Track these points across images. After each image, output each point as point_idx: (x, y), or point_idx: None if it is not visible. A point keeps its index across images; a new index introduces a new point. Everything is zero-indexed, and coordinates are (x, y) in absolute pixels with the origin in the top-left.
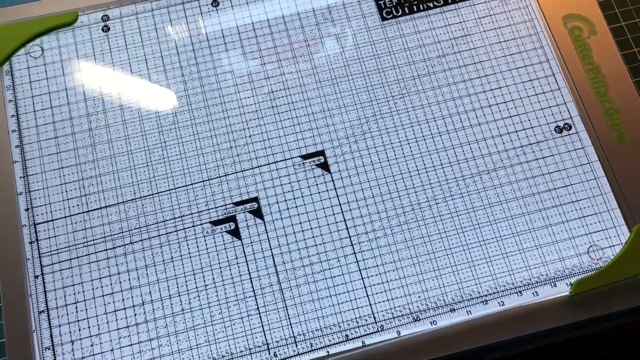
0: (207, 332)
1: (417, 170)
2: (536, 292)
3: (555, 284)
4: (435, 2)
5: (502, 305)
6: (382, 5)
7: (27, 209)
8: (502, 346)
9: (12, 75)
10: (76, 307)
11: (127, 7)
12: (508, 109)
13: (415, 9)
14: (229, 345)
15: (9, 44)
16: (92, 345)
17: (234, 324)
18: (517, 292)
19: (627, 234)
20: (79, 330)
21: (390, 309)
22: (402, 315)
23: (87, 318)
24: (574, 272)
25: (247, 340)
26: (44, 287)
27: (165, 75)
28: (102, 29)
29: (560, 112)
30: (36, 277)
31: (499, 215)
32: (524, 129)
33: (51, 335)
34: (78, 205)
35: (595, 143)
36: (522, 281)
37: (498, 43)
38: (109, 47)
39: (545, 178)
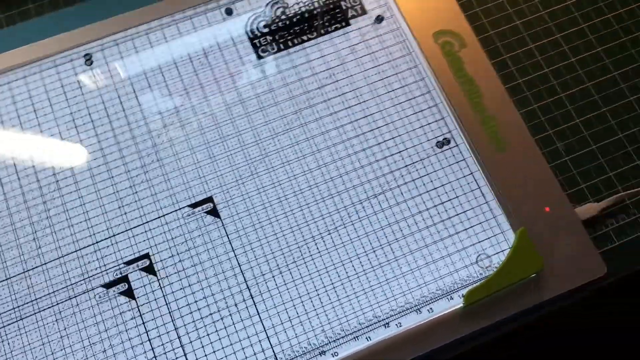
0: None
1: (307, 204)
2: (431, 308)
3: (451, 297)
4: (309, 35)
5: (400, 326)
6: (257, 44)
7: None
8: None
9: None
10: None
11: None
12: (390, 131)
13: (290, 44)
14: None
15: None
16: None
17: None
18: (415, 311)
19: (512, 238)
20: None
21: (293, 346)
22: (305, 352)
23: None
24: (466, 283)
25: None
26: None
27: (43, 141)
28: None
29: (440, 128)
30: None
31: (390, 237)
32: (407, 149)
33: None
34: None
35: (474, 153)
36: (418, 299)
37: (374, 67)
38: None
39: (431, 194)
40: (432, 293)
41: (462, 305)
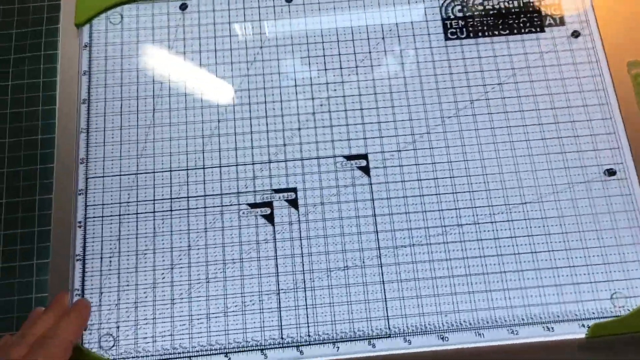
0: (217, 305)
1: (457, 191)
2: (553, 327)
3: (570, 323)
4: (501, 31)
5: (517, 334)
6: (448, 25)
7: (82, 162)
8: None
9: (91, 36)
10: (110, 261)
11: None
12: (561, 145)
13: (480, 34)
14: (244, 321)
15: (92, 8)
16: (118, 299)
17: (252, 303)
18: (535, 325)
19: None
20: (110, 281)
21: (408, 322)
22: (426, 332)
23: (119, 271)
24: (594, 315)
25: (262, 319)
26: (84, 235)
27: (231, 66)
28: (180, 7)
29: (613, 156)
30: (79, 224)
31: (528, 248)
32: (574, 167)
33: (83, 281)
34: (129, 166)
35: None
36: (542, 315)
37: (558, 79)
38: (183, 25)
39: (584, 218)
40: (554, 314)
41: (585, 335)
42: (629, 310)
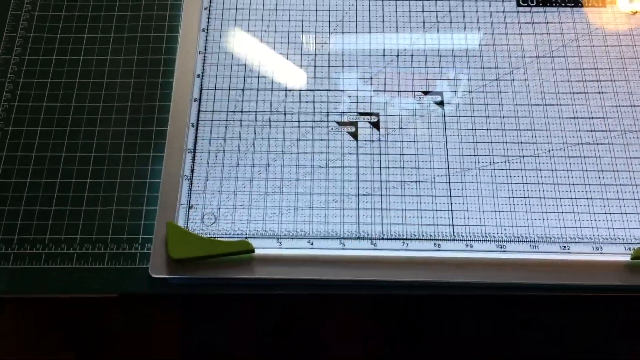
0: (304, 200)
1: (519, 130)
2: (600, 247)
3: (617, 246)
4: (567, 3)
5: (567, 249)
6: None
7: (198, 77)
8: (562, 288)
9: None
10: (216, 156)
11: None
12: (616, 98)
13: (548, 4)
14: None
15: None
16: (221, 187)
17: (335, 201)
18: (586, 244)
19: None
20: (214, 171)
21: (468, 227)
22: (487, 240)
23: (223, 165)
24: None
25: (342, 215)
26: (196, 133)
27: (329, 13)
28: None
29: None
30: (192, 125)
31: (587, 180)
32: (626, 118)
33: (192, 170)
34: (237, 83)
35: None
36: (592, 236)
37: (617, 46)
38: None
39: (637, 161)
40: (604, 236)
41: (630, 258)
42: None
